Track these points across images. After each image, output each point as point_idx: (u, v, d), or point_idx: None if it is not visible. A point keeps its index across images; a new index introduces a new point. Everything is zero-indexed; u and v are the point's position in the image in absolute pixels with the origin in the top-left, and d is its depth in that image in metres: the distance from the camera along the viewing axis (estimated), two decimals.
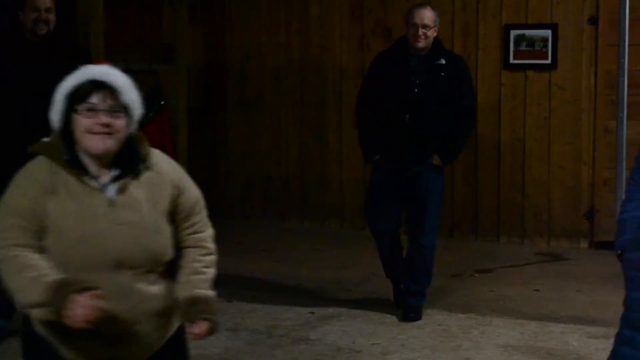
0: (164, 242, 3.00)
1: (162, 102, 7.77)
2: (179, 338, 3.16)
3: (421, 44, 5.82)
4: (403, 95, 5.86)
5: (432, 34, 5.85)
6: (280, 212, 9.43)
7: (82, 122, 2.89)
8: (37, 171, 2.91)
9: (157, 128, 7.74)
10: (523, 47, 8.31)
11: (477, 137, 8.44)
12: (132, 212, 2.93)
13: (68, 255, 2.87)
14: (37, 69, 5.25)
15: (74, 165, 2.92)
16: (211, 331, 3.00)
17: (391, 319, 6.04)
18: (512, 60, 8.35)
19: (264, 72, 9.38)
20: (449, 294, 6.64)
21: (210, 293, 3.06)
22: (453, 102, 5.92)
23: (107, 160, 2.94)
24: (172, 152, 7.83)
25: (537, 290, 6.78)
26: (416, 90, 5.84)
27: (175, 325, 3.12)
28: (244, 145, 9.59)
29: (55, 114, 2.93)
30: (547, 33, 8.22)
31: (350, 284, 6.94)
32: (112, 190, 2.94)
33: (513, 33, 8.34)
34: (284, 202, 9.43)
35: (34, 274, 2.81)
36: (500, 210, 8.48)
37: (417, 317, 6.01)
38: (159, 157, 3.10)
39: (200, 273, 3.07)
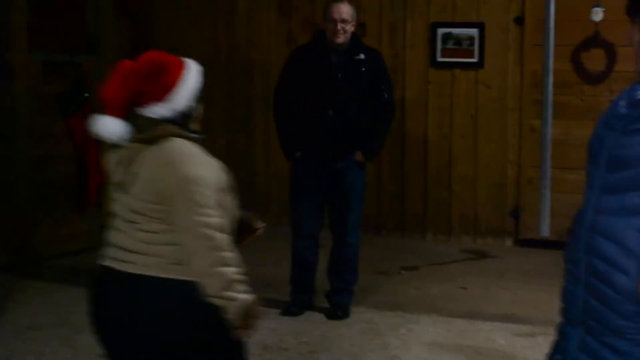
0: None
1: (86, 95, 7.59)
2: None
3: (340, 39, 5.75)
4: (325, 90, 5.79)
5: (350, 28, 5.79)
6: None
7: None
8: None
9: (80, 121, 7.55)
10: (450, 45, 8.35)
11: (405, 134, 8.48)
12: None
13: None
14: None
15: None
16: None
17: (319, 317, 6.02)
18: (439, 58, 8.38)
19: None
20: (376, 292, 6.64)
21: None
22: (373, 96, 5.89)
23: None
24: (95, 146, 7.67)
25: (464, 288, 6.81)
26: (338, 85, 5.78)
27: None
28: None
29: None
30: (474, 32, 8.26)
31: (277, 281, 6.86)
32: None
33: (440, 31, 8.36)
34: None
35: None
36: (427, 208, 8.51)
37: (345, 315, 6.00)
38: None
39: None
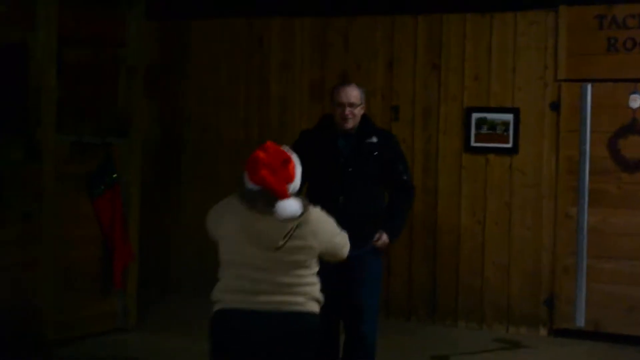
0: None
1: (114, 176, 7.53)
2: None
3: (349, 124, 5.55)
4: (334, 177, 5.55)
5: (359, 112, 5.59)
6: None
7: None
8: None
9: (108, 202, 7.49)
10: (484, 130, 8.23)
11: (437, 219, 8.32)
12: None
13: None
14: None
15: None
16: None
17: None
18: (473, 143, 8.26)
19: (220, 147, 9.24)
20: None
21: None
22: (391, 179, 5.67)
23: None
24: (122, 227, 7.59)
25: None
26: (347, 172, 5.53)
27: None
28: (198, 222, 9.33)
29: None
30: (509, 117, 8.15)
31: None
32: None
33: (474, 116, 8.26)
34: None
35: None
36: (459, 294, 8.30)
37: None
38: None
39: None
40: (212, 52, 9.38)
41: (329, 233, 4.18)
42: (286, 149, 4.20)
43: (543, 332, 8.03)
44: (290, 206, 4.02)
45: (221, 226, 4.24)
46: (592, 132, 7.85)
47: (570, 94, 7.92)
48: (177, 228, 9.48)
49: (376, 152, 5.57)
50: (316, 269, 4.19)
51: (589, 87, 7.83)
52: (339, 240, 4.26)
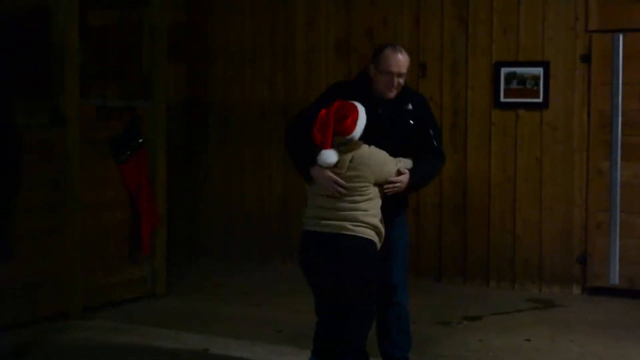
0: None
1: (140, 140, 7.47)
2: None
3: (393, 94, 5.23)
4: (369, 141, 5.13)
5: (403, 80, 5.26)
6: (262, 253, 9.17)
7: None
8: None
9: (134, 166, 7.44)
10: (514, 85, 8.08)
11: (467, 177, 8.21)
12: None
13: None
14: None
15: None
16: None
17: None
18: (502, 99, 8.11)
19: (246, 106, 9.16)
20: (436, 344, 6.32)
21: None
22: (421, 146, 5.32)
23: None
24: (149, 191, 7.54)
25: (528, 340, 6.48)
26: (384, 137, 5.17)
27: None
28: (225, 184, 9.35)
29: None
30: (539, 71, 7.99)
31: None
32: None
33: (504, 71, 8.10)
34: (266, 242, 9.16)
35: None
36: (490, 253, 8.21)
37: None
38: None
39: None
40: (237, 11, 9.28)
41: (380, 163, 4.94)
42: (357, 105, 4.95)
43: (576, 290, 7.92)
44: (327, 157, 4.88)
45: None
46: (624, 84, 7.67)
47: (602, 45, 7.74)
48: (205, 190, 9.44)
49: (412, 120, 5.30)
50: (373, 199, 4.92)
51: (621, 37, 7.65)
52: (388, 168, 4.98)
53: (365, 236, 4.88)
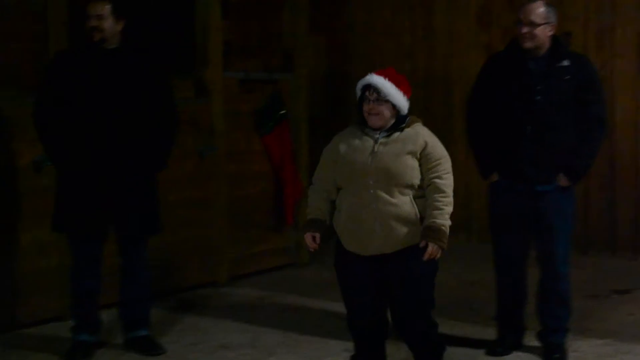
0: (407, 168, 4.42)
1: (283, 112, 7.55)
2: (412, 252, 4.41)
3: (527, 43, 5.14)
4: (522, 103, 5.18)
5: (541, 32, 5.13)
6: None
7: (364, 107, 4.55)
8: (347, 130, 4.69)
9: (277, 138, 7.53)
10: None
11: (614, 149, 7.98)
12: (385, 148, 4.47)
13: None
14: (97, 74, 5.20)
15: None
16: (436, 253, 4.36)
17: (529, 358, 5.45)
18: None
19: None
20: (584, 317, 6.16)
21: (443, 224, 4.36)
22: (580, 110, 5.21)
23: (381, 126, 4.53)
24: (292, 163, 7.62)
25: None
26: (537, 97, 5.14)
27: (411, 240, 4.42)
28: None
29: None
30: None
31: (478, 303, 6.54)
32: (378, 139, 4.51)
33: None
34: None
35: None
36: (639, 227, 7.96)
37: (563, 357, 5.37)
38: (420, 127, 4.62)
39: (437, 208, 4.38)
40: None
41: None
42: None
43: None
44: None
45: None
46: None
47: None
48: None
49: (568, 76, 5.17)
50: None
51: None
52: None
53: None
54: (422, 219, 4.42)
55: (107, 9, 5.18)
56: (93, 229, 5.30)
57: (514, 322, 5.55)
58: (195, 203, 6.98)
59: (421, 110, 8.82)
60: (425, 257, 4.34)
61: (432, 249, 4.33)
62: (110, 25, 5.20)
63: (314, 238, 4.58)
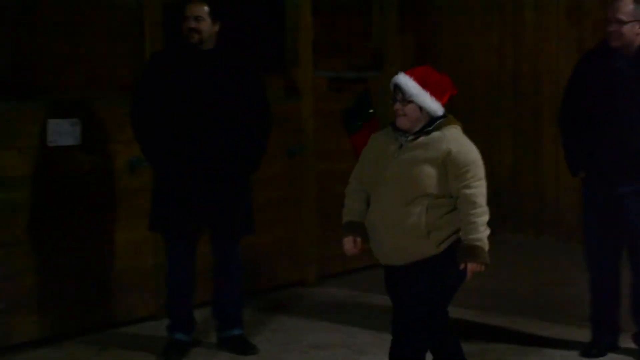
0: (422, 177, 4.12)
1: (371, 111, 7.55)
2: (437, 262, 4.14)
3: (615, 42, 5.06)
4: (609, 102, 5.10)
5: (628, 30, 5.03)
6: (493, 223, 9.04)
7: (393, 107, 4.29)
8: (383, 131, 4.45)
9: (366, 137, 7.47)
10: None
11: None
12: (405, 154, 4.18)
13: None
14: (195, 75, 5.25)
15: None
16: (478, 270, 4.08)
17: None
18: None
19: (475, 77, 9.06)
20: None
21: (477, 239, 4.06)
22: None
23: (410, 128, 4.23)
24: None
25: None
26: (625, 96, 5.06)
27: (420, 255, 4.14)
28: None
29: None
30: None
31: (569, 304, 6.47)
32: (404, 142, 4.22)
33: None
34: (497, 213, 9.03)
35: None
36: None
37: None
38: (449, 130, 4.22)
39: (469, 223, 4.08)
40: None
41: None
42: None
43: None
44: None
45: None
46: None
47: None
48: None
49: None
50: None
51: None
52: None
53: None
54: (434, 230, 4.11)
55: (205, 10, 5.24)
56: (189, 228, 5.38)
57: (608, 323, 5.46)
58: (284, 202, 7.02)
59: (509, 108, 8.81)
60: (469, 277, 4.11)
61: (472, 268, 4.07)
62: (208, 26, 5.25)
63: (355, 242, 4.42)
